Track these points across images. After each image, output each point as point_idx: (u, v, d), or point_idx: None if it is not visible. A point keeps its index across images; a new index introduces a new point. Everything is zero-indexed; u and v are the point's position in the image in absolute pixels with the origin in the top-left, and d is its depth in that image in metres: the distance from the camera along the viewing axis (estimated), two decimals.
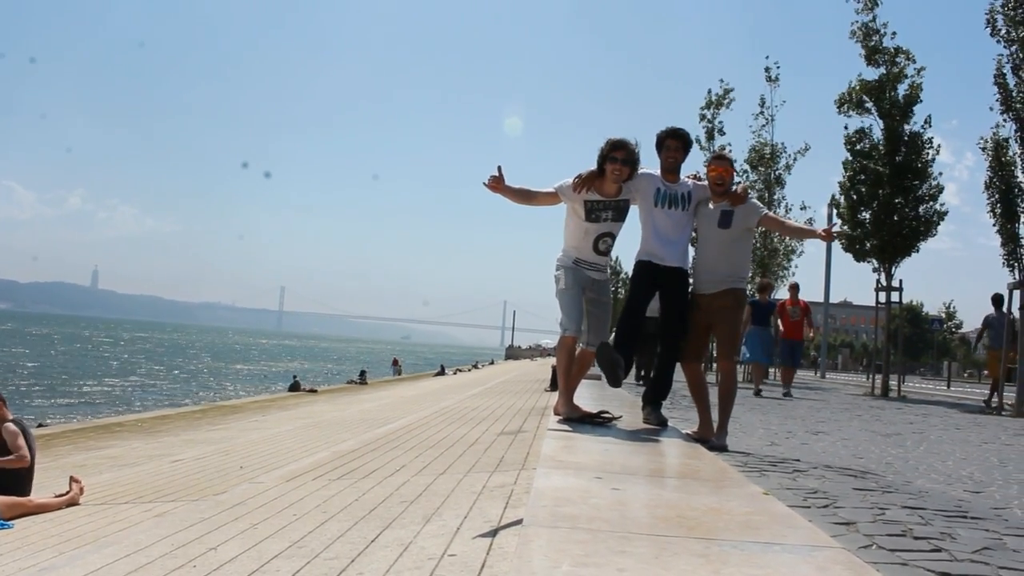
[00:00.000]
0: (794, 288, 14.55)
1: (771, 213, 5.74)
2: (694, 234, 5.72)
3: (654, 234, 5.41)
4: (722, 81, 22.31)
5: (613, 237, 5.49)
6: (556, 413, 5.83)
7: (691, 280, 5.57)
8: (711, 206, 5.38)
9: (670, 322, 5.49)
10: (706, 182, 5.48)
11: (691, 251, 5.70)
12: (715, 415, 5.53)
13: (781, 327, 14.07)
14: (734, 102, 22.08)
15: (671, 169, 5.39)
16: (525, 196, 5.41)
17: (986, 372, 14.97)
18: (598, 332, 5.55)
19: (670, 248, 5.40)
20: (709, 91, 22.20)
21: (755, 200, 5.57)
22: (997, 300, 13.87)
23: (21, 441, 6.91)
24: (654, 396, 5.73)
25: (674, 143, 5.37)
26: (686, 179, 5.47)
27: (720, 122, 22.02)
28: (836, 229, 6.01)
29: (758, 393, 12.93)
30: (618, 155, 5.21)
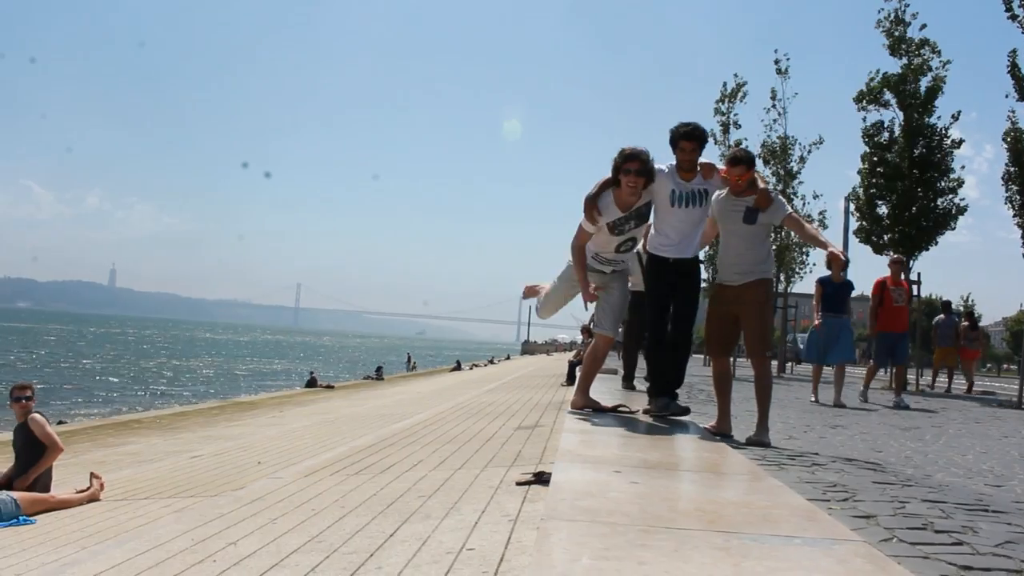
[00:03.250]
0: (898, 263, 11.27)
1: (795, 213, 5.60)
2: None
3: (669, 232, 5.35)
4: (736, 75, 22.22)
5: (635, 240, 5.58)
6: (573, 407, 5.83)
7: (714, 271, 5.54)
8: (734, 199, 5.27)
9: (681, 313, 5.44)
10: (722, 169, 5.38)
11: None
12: (732, 409, 5.52)
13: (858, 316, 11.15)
14: (747, 95, 21.99)
15: (686, 168, 5.24)
16: (583, 256, 5.52)
17: (943, 367, 16.48)
18: (612, 321, 5.61)
19: (684, 244, 5.35)
20: (724, 84, 22.16)
21: (780, 198, 5.46)
22: (946, 306, 16.64)
23: (51, 429, 7.02)
24: (668, 388, 5.59)
25: (689, 145, 5.17)
26: (699, 172, 5.30)
27: (736, 115, 21.94)
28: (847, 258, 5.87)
29: (815, 399, 10.39)
30: (632, 167, 5.11)
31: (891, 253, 16.15)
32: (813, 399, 10.42)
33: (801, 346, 9.98)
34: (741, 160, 5.30)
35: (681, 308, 5.44)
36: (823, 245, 5.55)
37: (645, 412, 5.62)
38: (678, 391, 5.65)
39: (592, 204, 5.26)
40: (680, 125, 5.22)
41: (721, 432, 5.35)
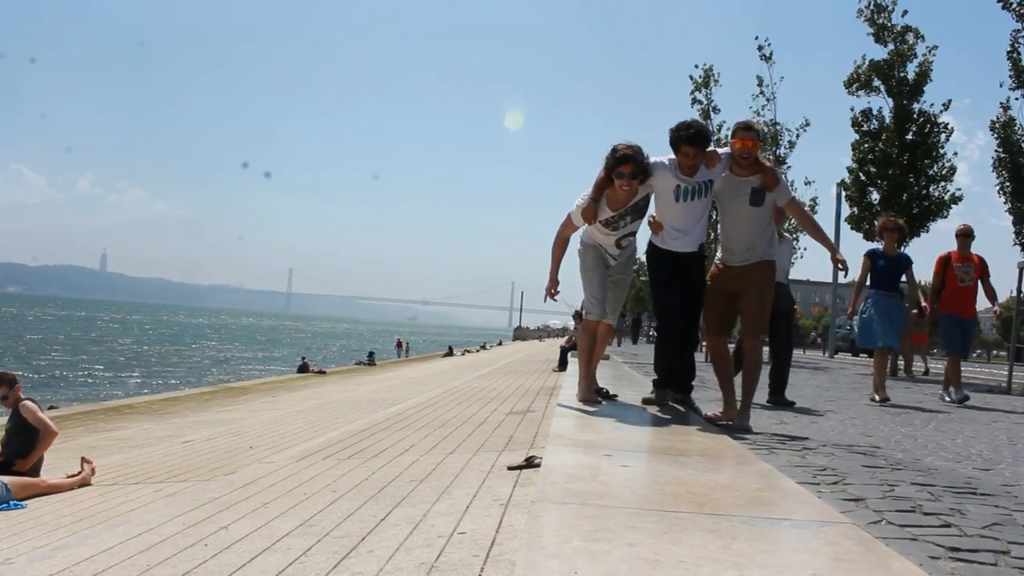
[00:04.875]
0: (965, 235, 8.89)
1: (798, 199, 5.45)
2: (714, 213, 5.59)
3: (675, 224, 5.21)
4: (697, 65, 22.29)
5: (634, 234, 5.43)
6: (580, 400, 5.79)
7: (718, 253, 5.42)
8: (738, 178, 5.09)
9: (688, 307, 5.36)
10: (727, 150, 5.20)
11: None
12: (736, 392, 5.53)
13: (917, 298, 8.87)
14: (722, 76, 22.01)
15: (689, 170, 5.04)
16: (562, 249, 5.41)
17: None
18: (612, 311, 5.57)
19: (687, 238, 5.25)
20: (691, 77, 22.22)
21: (784, 179, 5.33)
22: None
23: (43, 414, 6.99)
24: (678, 382, 5.55)
25: (692, 150, 4.93)
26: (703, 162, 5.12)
27: (713, 103, 21.97)
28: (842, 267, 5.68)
29: (884, 401, 8.09)
30: (625, 170, 4.93)
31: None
32: (876, 399, 8.18)
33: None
34: (753, 126, 5.16)
35: (688, 302, 5.35)
36: (829, 246, 5.42)
37: (645, 402, 5.60)
38: (693, 383, 5.57)
39: (592, 211, 5.11)
40: (681, 128, 4.97)
41: (730, 419, 5.16)
